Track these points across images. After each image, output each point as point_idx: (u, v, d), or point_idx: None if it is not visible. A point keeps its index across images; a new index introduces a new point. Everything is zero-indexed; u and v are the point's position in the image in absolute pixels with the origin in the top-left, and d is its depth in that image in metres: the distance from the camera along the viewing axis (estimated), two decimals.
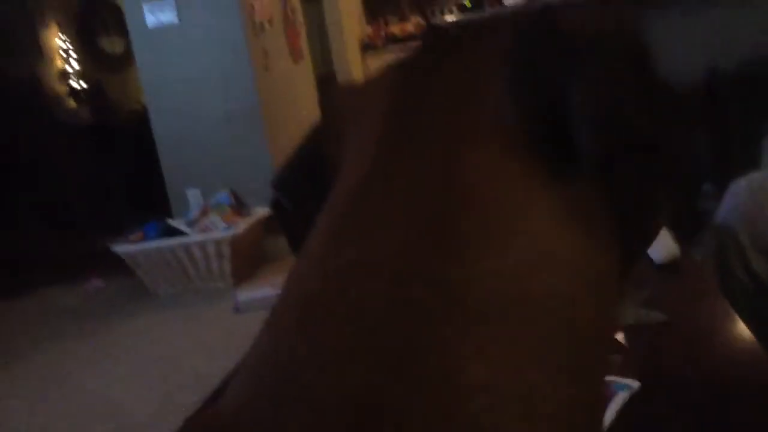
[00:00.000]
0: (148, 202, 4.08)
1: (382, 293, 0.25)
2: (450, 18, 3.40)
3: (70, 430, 2.14)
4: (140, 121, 4.40)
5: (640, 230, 0.30)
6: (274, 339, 0.27)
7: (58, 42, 5.91)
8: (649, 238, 0.32)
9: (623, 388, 0.75)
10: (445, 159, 0.27)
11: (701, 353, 0.87)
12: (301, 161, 0.35)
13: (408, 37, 6.26)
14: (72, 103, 5.94)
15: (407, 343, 0.23)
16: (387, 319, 0.24)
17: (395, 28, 6.48)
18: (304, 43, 4.60)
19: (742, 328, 0.90)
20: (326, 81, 5.91)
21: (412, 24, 6.41)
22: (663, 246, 1.12)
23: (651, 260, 1.11)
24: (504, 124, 0.27)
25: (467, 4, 6.51)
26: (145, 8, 3.66)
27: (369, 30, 6.53)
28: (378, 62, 6.28)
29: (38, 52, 5.74)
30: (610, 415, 0.70)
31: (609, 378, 0.76)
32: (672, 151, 0.28)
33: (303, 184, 0.34)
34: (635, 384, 0.75)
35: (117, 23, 5.77)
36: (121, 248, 3.24)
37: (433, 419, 0.22)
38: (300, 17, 4.57)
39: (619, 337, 0.89)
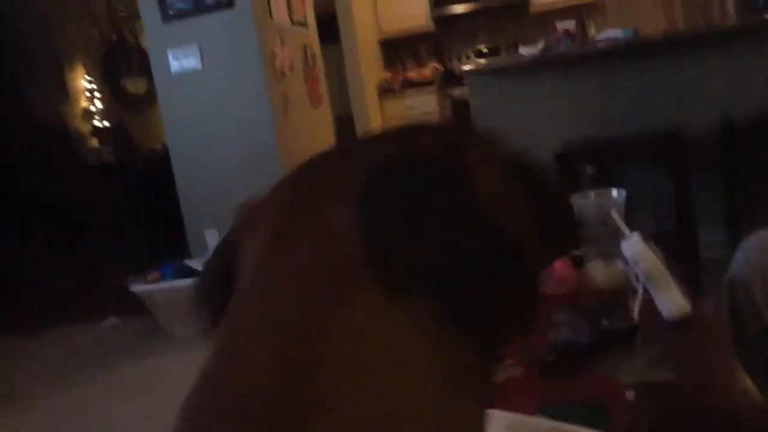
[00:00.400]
0: (167, 242, 4.13)
1: None
2: (467, 65, 3.46)
3: None
4: (161, 162, 4.48)
5: (490, 332, 0.30)
6: None
7: (84, 83, 6.06)
8: (507, 333, 0.33)
9: None
10: (306, 285, 0.29)
11: (709, 413, 0.88)
12: (210, 273, 0.38)
13: (425, 82, 6.36)
14: (95, 142, 6.06)
15: None
16: None
17: (413, 73, 6.58)
18: (323, 89, 4.68)
19: (753, 384, 0.91)
20: (344, 123, 5.99)
21: (430, 69, 6.51)
22: (673, 302, 1.13)
23: (661, 316, 1.13)
24: (356, 256, 0.28)
25: (484, 50, 6.62)
26: (170, 55, 3.77)
27: (387, 74, 6.64)
28: (395, 106, 6.37)
29: (65, 91, 5.89)
30: None
31: None
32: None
33: (213, 295, 0.36)
34: None
35: (141, 65, 5.93)
36: (138, 287, 3.28)
37: None
38: (320, 64, 4.66)
39: (628, 395, 0.91)
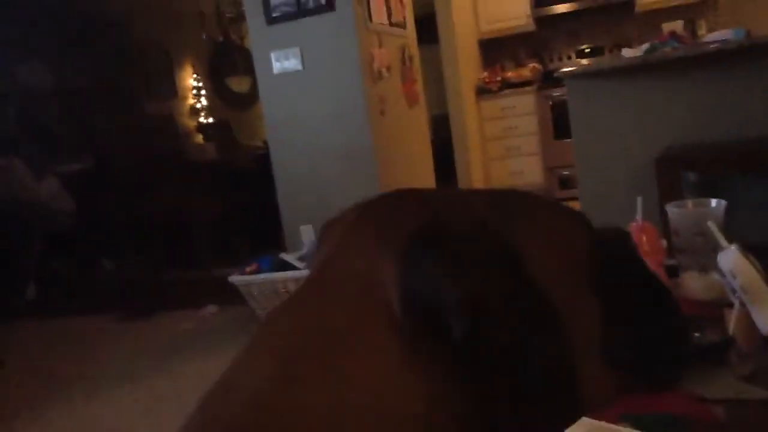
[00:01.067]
0: (265, 236, 4.28)
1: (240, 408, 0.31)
2: (565, 67, 3.40)
3: None
4: (261, 158, 4.64)
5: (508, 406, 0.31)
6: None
7: (192, 81, 6.35)
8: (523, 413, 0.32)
9: None
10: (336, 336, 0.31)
11: None
12: None
13: (524, 83, 6.28)
14: (200, 138, 6.34)
15: None
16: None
17: (511, 74, 6.51)
18: (420, 89, 4.71)
19: None
20: (440, 122, 6.01)
21: (529, 70, 6.42)
22: None
23: (758, 331, 1.09)
24: (390, 311, 0.30)
25: (586, 50, 6.47)
26: (273, 56, 3.90)
27: (485, 74, 6.59)
28: (492, 106, 6.33)
29: (173, 90, 6.19)
30: None
31: None
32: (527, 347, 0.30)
33: None
34: None
35: (245, 64, 6.16)
36: (236, 279, 3.42)
37: None
38: (417, 64, 4.70)
39: (717, 411, 0.89)
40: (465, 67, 6.20)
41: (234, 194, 5.36)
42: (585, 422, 0.88)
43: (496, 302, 0.29)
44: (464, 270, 0.29)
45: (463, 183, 6.06)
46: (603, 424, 0.86)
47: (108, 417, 2.60)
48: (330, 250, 0.35)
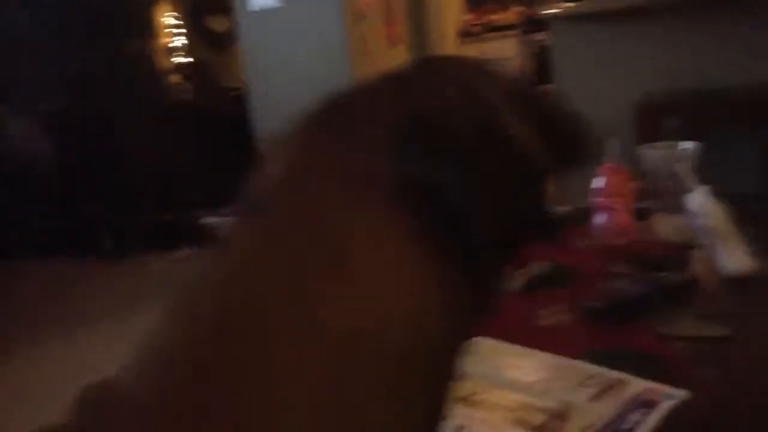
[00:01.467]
0: (243, 178, 4.24)
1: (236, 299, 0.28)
2: (552, 9, 3.35)
3: None
4: (240, 100, 4.57)
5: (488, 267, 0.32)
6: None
7: (168, 20, 6.19)
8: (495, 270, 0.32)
9: (670, 397, 0.76)
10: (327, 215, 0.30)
11: (759, 375, 0.87)
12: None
13: (507, 26, 6.19)
14: (177, 78, 6.22)
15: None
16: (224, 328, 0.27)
17: (495, 17, 6.41)
18: (402, 29, 4.64)
19: None
20: None
21: (513, 13, 6.33)
22: (737, 258, 1.10)
23: (722, 272, 1.10)
24: (387, 195, 0.30)
25: None
26: None
27: (469, 17, 6.49)
28: (476, 50, 6.25)
29: (150, 28, 6.04)
30: (653, 422, 0.71)
31: (656, 386, 0.78)
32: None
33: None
34: (682, 394, 0.76)
35: (224, 2, 6.00)
36: (213, 221, 3.41)
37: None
38: (401, 4, 4.61)
39: (678, 347, 0.90)
40: (448, 8, 6.09)
41: (211, 137, 5.29)
42: (548, 357, 0.89)
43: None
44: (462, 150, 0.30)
45: None
46: (564, 359, 0.87)
47: (83, 358, 2.61)
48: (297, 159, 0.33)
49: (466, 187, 0.29)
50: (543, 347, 0.91)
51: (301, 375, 0.26)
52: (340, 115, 0.34)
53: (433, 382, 0.29)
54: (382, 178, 0.29)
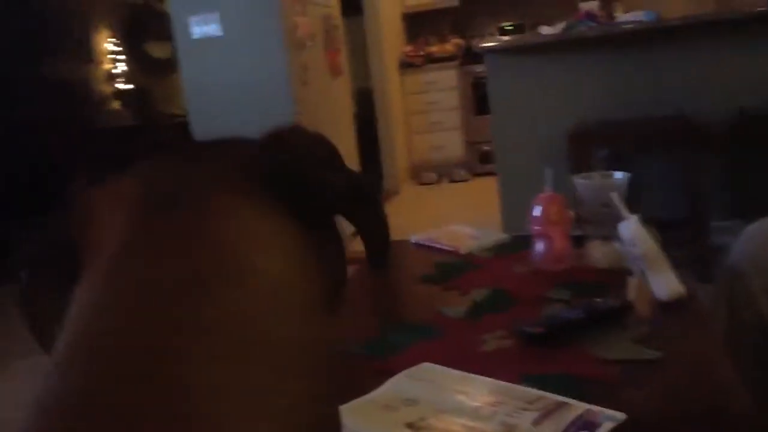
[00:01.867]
0: None
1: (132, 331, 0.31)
2: (486, 42, 3.45)
3: None
4: (182, 127, 4.52)
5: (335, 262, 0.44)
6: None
7: (108, 45, 6.10)
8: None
9: (610, 418, 0.79)
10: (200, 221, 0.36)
11: (691, 393, 0.91)
12: (52, 243, 0.41)
13: (446, 58, 6.33)
14: (117, 105, 6.12)
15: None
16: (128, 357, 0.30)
17: (435, 48, 6.55)
18: (343, 59, 4.69)
19: (737, 372, 0.93)
20: (364, 96, 6.00)
21: (452, 45, 6.48)
22: (667, 284, 1.15)
23: (654, 297, 1.15)
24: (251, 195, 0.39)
25: (507, 27, 6.57)
26: (192, 21, 3.79)
27: (409, 48, 6.61)
28: (416, 80, 6.36)
29: (87, 53, 5.93)
30: None
31: (596, 408, 0.81)
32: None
33: (54, 264, 0.39)
34: (621, 416, 0.80)
35: (166, 29, 5.96)
36: None
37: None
38: (341, 35, 4.67)
39: (613, 370, 0.94)
40: (389, 40, 6.20)
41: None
42: (488, 382, 0.91)
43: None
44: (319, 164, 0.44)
45: (386, 155, 6.08)
46: (505, 384, 0.90)
47: None
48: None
49: (306, 188, 0.42)
50: (486, 372, 0.94)
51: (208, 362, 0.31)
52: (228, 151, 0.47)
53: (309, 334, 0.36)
54: (251, 185, 0.40)
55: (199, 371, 0.30)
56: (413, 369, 0.97)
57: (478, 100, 6.00)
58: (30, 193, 4.80)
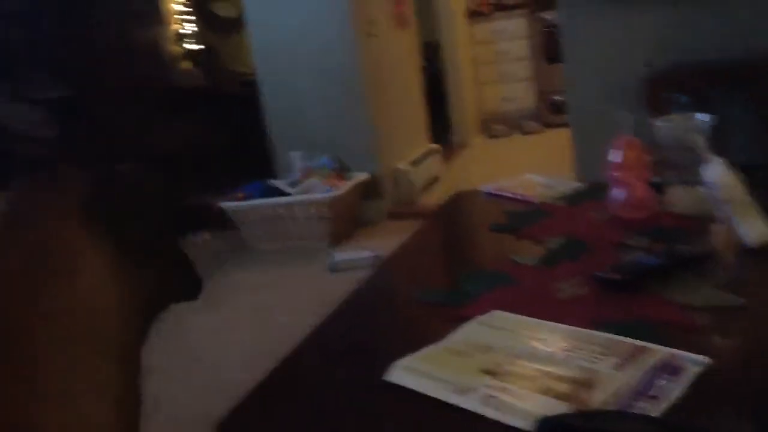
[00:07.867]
0: (255, 163, 4.25)
1: None
2: None
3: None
4: (250, 85, 4.56)
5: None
6: None
7: (175, 6, 6.18)
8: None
9: (696, 363, 0.76)
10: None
11: None
12: None
13: (516, 5, 6.14)
14: (187, 65, 6.21)
15: None
16: None
17: None
18: (410, 10, 4.61)
19: None
20: (431, 49, 5.90)
21: None
22: (755, 229, 1.10)
23: (741, 243, 1.10)
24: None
25: None
26: None
27: None
28: (484, 30, 6.20)
29: (158, 15, 6.02)
30: (679, 388, 0.72)
31: (680, 352, 0.78)
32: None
33: None
34: (707, 361, 0.77)
35: None
36: (227, 205, 3.42)
37: None
38: None
39: (695, 317, 0.90)
40: None
41: (223, 122, 5.29)
42: (561, 328, 0.90)
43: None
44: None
45: (455, 108, 6.00)
46: (581, 329, 0.88)
47: None
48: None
49: (128, 215, 0.53)
50: (562, 319, 0.92)
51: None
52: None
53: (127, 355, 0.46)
54: (79, 211, 0.49)
55: (46, 351, 0.39)
56: (485, 317, 0.96)
57: (548, 48, 5.81)
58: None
